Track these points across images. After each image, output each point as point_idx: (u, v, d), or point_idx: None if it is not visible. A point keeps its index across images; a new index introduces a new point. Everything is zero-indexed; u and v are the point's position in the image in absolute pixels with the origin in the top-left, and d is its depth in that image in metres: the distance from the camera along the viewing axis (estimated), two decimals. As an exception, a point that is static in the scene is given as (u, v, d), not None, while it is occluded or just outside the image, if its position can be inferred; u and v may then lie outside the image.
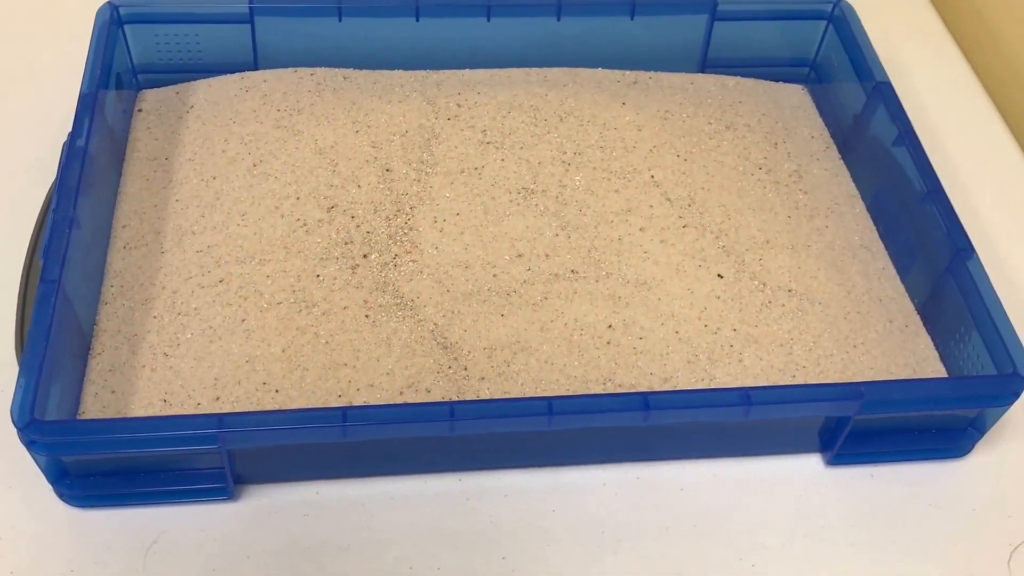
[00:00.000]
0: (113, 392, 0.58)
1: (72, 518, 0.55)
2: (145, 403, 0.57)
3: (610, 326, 0.61)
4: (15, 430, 0.51)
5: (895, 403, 0.56)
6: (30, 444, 0.51)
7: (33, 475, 0.55)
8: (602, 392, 0.58)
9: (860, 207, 0.70)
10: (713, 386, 0.59)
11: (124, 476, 0.55)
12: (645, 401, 0.54)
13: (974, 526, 0.58)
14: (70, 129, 0.62)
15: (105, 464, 0.55)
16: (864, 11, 0.75)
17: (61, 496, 0.55)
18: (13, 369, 0.58)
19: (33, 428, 0.51)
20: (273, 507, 0.56)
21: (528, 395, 0.58)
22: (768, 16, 0.76)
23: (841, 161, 0.73)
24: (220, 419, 0.52)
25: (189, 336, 0.59)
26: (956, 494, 0.59)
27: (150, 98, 0.72)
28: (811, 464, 0.60)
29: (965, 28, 0.90)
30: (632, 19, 0.74)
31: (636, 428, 0.56)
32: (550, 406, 0.53)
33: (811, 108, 0.76)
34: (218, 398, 0.57)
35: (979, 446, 0.60)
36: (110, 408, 0.57)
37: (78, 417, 0.57)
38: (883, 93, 0.69)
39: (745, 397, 0.54)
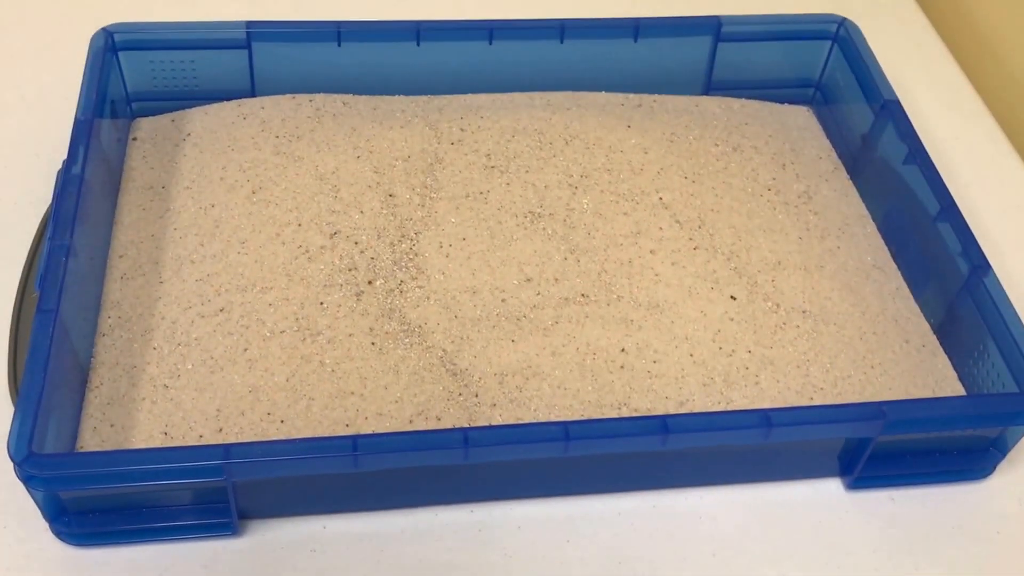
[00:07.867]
0: (112, 426, 0.56)
1: (69, 558, 0.53)
2: (146, 436, 0.55)
3: (623, 350, 0.59)
4: (9, 466, 0.49)
5: (918, 422, 0.54)
6: (28, 479, 0.49)
7: (29, 513, 0.53)
8: (618, 416, 0.56)
9: (871, 227, 0.69)
10: (731, 409, 0.57)
11: (123, 513, 0.53)
12: (664, 425, 0.52)
13: (999, 549, 0.56)
14: (63, 157, 0.61)
15: (104, 500, 0.53)
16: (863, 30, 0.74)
17: (58, 535, 0.53)
18: (5, 402, 0.56)
19: (31, 462, 0.49)
20: (278, 543, 0.54)
21: (542, 421, 0.56)
22: (772, 36, 0.75)
23: (850, 181, 0.72)
24: (226, 449, 0.50)
25: (190, 367, 0.58)
26: (979, 516, 0.57)
27: (145, 126, 0.70)
28: (830, 489, 0.58)
29: (963, 43, 0.89)
30: (636, 41, 0.73)
31: (653, 454, 0.54)
32: (567, 431, 0.52)
33: (817, 129, 0.76)
34: (221, 429, 0.55)
35: (1001, 467, 0.59)
36: (109, 442, 0.55)
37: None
38: (891, 111, 0.69)
39: (765, 419, 0.53)
